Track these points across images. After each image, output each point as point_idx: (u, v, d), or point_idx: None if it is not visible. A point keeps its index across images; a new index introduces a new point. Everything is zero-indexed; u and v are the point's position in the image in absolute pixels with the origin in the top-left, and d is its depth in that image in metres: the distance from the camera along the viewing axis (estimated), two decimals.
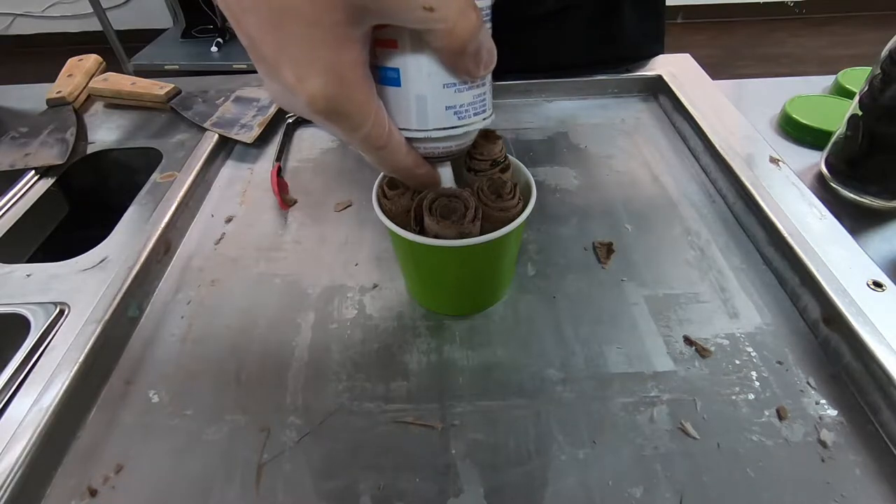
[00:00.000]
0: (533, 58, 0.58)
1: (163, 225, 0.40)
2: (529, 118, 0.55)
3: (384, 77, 0.24)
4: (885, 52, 0.39)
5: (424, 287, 0.34)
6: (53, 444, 0.28)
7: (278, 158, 0.50)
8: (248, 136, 0.51)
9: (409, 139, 0.26)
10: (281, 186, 0.46)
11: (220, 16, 2.15)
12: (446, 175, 0.29)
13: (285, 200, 0.45)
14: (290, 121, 0.55)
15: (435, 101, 0.24)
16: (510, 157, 0.32)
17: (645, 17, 0.59)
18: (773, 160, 0.43)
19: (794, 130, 0.51)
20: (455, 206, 0.28)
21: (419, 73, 0.23)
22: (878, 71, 0.39)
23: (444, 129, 0.25)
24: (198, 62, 2.09)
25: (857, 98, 0.41)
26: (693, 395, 0.29)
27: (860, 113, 0.41)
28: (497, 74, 0.26)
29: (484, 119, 0.27)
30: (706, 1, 2.80)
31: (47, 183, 0.48)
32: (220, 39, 2.13)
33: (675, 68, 0.57)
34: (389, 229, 0.29)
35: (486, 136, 0.32)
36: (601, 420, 0.29)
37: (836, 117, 0.45)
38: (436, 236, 0.28)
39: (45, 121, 0.54)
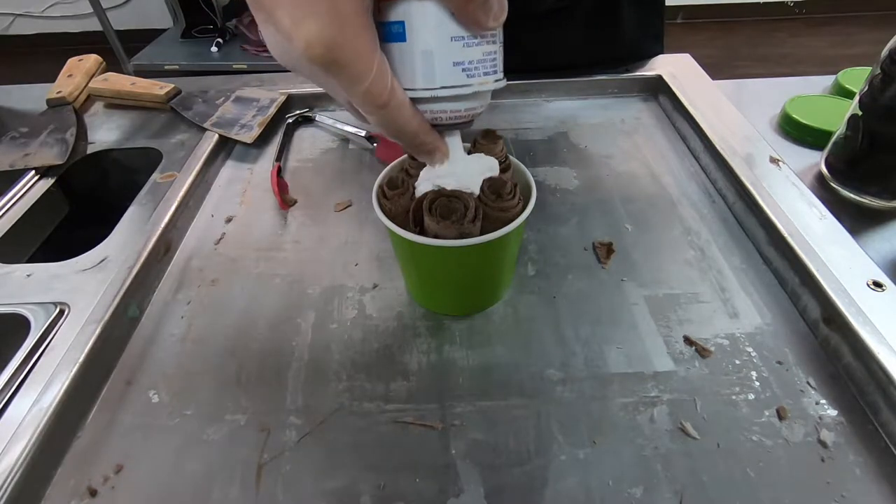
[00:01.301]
0: (533, 58, 0.58)
1: (163, 225, 0.40)
2: (529, 118, 0.55)
3: (389, 33, 0.23)
4: (885, 52, 0.39)
5: (424, 287, 0.34)
6: (53, 444, 0.28)
7: (278, 158, 0.50)
8: (248, 136, 0.51)
9: (414, 100, 0.24)
10: (281, 186, 0.46)
11: (219, 16, 2.15)
12: (454, 145, 0.27)
13: (285, 200, 0.45)
14: (290, 121, 0.55)
15: (442, 56, 0.23)
16: (510, 157, 0.33)
17: (645, 17, 0.59)
18: (773, 160, 0.43)
19: (794, 130, 0.51)
20: (455, 206, 0.28)
21: (425, 24, 0.22)
22: (878, 71, 0.39)
23: (452, 87, 0.23)
24: (198, 62, 2.09)
25: (857, 98, 0.41)
26: (693, 395, 0.29)
27: (860, 113, 0.41)
28: None
29: (496, 80, 0.25)
30: (706, 1, 2.80)
31: (47, 183, 0.48)
32: (220, 39, 2.13)
33: (675, 68, 0.57)
34: (389, 229, 0.29)
35: (487, 136, 0.32)
36: (601, 420, 0.29)
37: (836, 117, 0.45)
38: (436, 236, 0.28)
39: (45, 121, 0.54)
